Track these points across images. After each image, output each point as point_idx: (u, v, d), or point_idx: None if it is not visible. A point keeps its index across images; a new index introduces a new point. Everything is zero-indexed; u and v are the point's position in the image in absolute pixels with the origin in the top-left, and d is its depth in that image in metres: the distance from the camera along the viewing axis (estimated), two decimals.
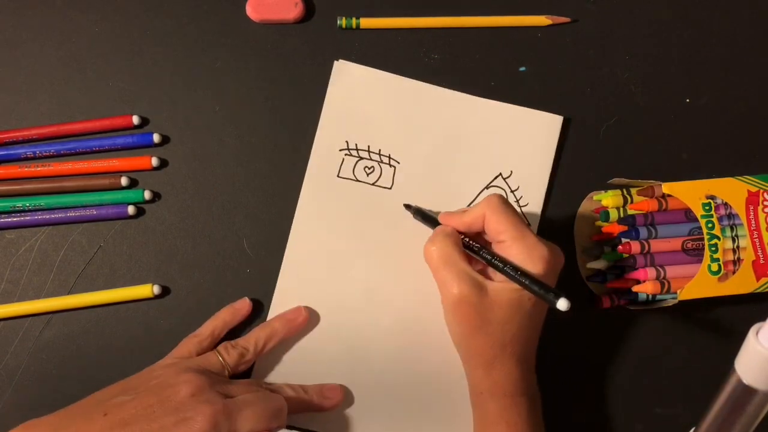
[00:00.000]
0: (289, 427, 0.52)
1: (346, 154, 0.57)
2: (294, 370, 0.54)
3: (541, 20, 0.59)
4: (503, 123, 0.57)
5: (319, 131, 0.57)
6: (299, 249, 0.55)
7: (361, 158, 0.56)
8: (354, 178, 0.56)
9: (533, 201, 0.57)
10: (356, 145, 0.57)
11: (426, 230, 0.53)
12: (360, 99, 0.57)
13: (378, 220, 0.56)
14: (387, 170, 0.57)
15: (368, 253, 0.56)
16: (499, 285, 0.48)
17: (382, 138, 0.57)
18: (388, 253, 0.56)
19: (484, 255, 0.49)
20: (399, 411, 0.54)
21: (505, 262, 0.48)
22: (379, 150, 0.57)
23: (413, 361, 0.55)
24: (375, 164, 0.57)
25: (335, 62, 0.57)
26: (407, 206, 0.55)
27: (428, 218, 0.53)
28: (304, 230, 0.56)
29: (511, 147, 0.57)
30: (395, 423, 0.54)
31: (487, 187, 0.57)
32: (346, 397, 0.54)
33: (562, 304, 0.45)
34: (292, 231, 0.56)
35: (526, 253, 0.48)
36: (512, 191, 0.57)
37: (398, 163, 0.57)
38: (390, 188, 0.56)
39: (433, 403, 0.54)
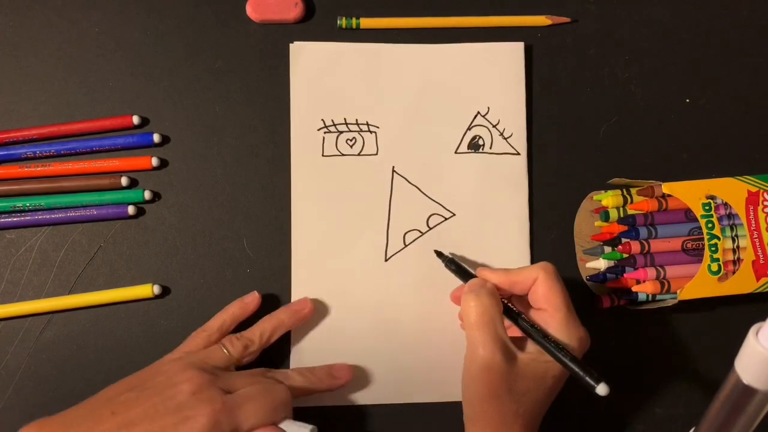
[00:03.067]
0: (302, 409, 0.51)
1: (325, 132, 0.57)
2: (326, 340, 0.55)
3: (541, 20, 0.59)
4: (468, 63, 0.58)
5: (293, 116, 0.57)
6: (304, 237, 0.56)
7: (341, 132, 0.57)
8: (339, 153, 0.57)
9: (517, 131, 0.57)
10: (332, 120, 0.57)
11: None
12: (325, 75, 0.57)
13: (372, 187, 0.56)
14: (369, 137, 0.57)
15: (372, 220, 0.56)
16: (528, 357, 0.47)
17: (356, 107, 0.57)
18: (391, 217, 0.56)
19: (523, 323, 0.48)
20: (417, 371, 0.55)
21: (546, 334, 0.47)
22: (356, 120, 0.57)
23: (430, 320, 0.55)
24: (355, 135, 0.57)
25: (291, 45, 0.57)
26: (439, 254, 0.54)
27: (463, 271, 0.52)
28: (304, 217, 0.56)
29: (481, 84, 0.58)
30: (418, 384, 0.55)
31: (469, 128, 0.57)
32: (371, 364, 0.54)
33: (602, 390, 0.44)
34: (293, 223, 0.56)
35: (565, 329, 0.47)
36: (494, 126, 0.57)
37: (377, 127, 0.57)
38: (376, 154, 0.57)
39: (447, 361, 0.54)
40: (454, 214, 0.56)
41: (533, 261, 0.57)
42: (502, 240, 0.56)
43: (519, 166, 0.57)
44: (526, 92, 0.58)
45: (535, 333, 0.47)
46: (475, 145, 0.57)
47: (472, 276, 0.51)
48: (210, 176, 0.56)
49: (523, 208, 0.57)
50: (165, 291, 0.55)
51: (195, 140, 0.57)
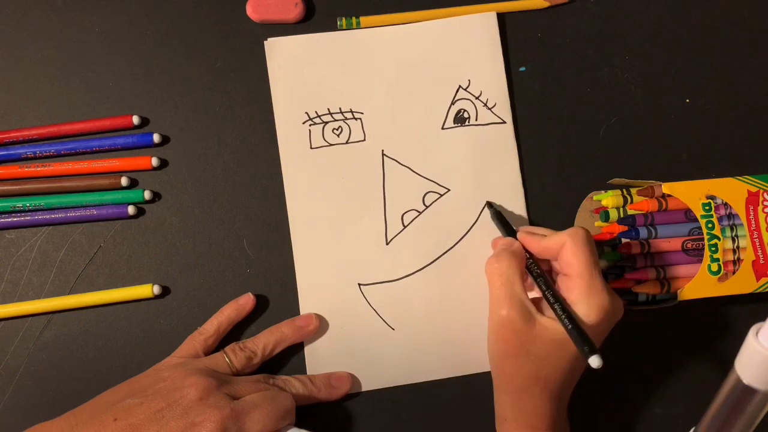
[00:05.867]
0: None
1: (310, 125, 0.57)
2: (337, 329, 0.55)
3: (539, 2, 0.59)
4: (444, 38, 0.58)
5: (276, 112, 0.57)
6: (304, 231, 0.56)
7: (326, 123, 0.57)
8: (327, 143, 0.57)
9: (500, 100, 0.58)
10: (316, 112, 0.57)
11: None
12: (303, 68, 0.57)
13: (365, 173, 0.57)
14: (354, 124, 0.57)
15: (368, 206, 0.56)
16: (548, 321, 0.47)
17: (338, 96, 0.57)
18: (386, 200, 0.56)
19: (540, 284, 0.49)
20: (436, 345, 0.55)
21: (558, 298, 0.47)
22: (340, 108, 0.57)
23: (437, 296, 0.56)
24: (341, 123, 0.57)
25: (265, 42, 0.57)
26: (489, 204, 0.55)
27: (506, 226, 0.53)
28: (301, 211, 0.56)
29: (459, 58, 0.58)
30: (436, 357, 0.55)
31: (453, 103, 0.57)
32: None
33: (594, 362, 0.43)
34: (290, 218, 0.56)
35: (585, 296, 0.47)
36: (477, 98, 0.58)
37: (362, 113, 0.57)
38: (364, 140, 0.57)
39: (458, 335, 0.55)
40: (449, 189, 0.57)
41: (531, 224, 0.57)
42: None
43: (506, 133, 0.57)
44: (525, 89, 0.58)
45: (547, 294, 0.48)
46: (460, 119, 0.57)
47: (512, 233, 0.52)
48: (210, 176, 0.56)
49: (515, 175, 0.57)
50: (165, 291, 0.55)
51: (195, 140, 0.57)
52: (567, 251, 0.48)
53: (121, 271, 0.55)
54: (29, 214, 0.55)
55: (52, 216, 0.55)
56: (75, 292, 0.55)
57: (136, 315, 0.55)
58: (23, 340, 0.54)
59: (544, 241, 0.50)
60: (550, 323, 0.47)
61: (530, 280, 0.50)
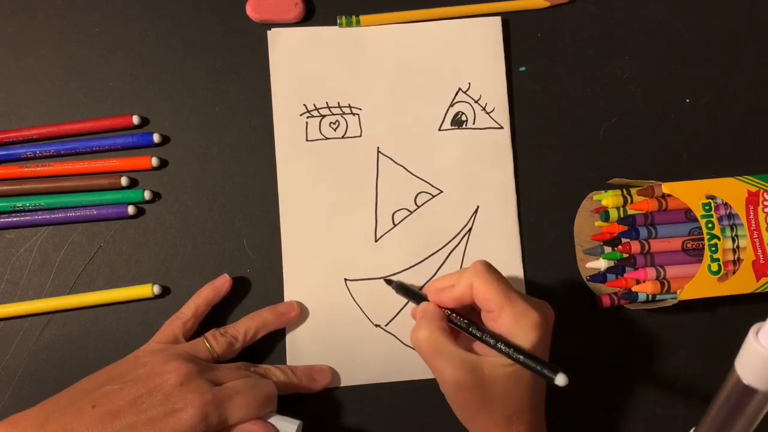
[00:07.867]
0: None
1: (308, 117, 0.57)
2: (321, 323, 0.55)
3: (539, 3, 0.59)
4: (446, 40, 0.58)
5: (275, 103, 0.57)
6: (293, 222, 0.56)
7: (323, 116, 0.57)
8: (323, 137, 0.57)
9: (498, 105, 0.58)
10: (314, 105, 0.57)
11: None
12: (304, 60, 0.57)
13: (359, 169, 0.57)
14: (351, 120, 0.57)
15: (360, 202, 0.56)
16: (494, 359, 0.45)
17: (338, 90, 0.57)
18: (378, 197, 0.56)
19: (474, 332, 0.47)
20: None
21: (497, 338, 0.45)
22: (338, 102, 0.57)
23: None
24: (338, 117, 0.57)
25: (268, 32, 0.57)
26: (388, 282, 0.54)
27: (412, 294, 0.52)
28: (292, 202, 0.56)
29: (461, 60, 0.58)
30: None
31: (451, 105, 0.57)
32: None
33: (561, 380, 0.42)
34: (281, 209, 0.56)
35: (516, 323, 0.45)
36: (476, 101, 0.58)
37: (360, 109, 0.57)
38: (360, 136, 0.57)
39: None
40: (442, 191, 0.57)
41: (523, 238, 0.57)
42: (490, 213, 0.57)
43: (503, 139, 0.57)
44: (525, 89, 0.58)
45: (486, 339, 0.46)
46: (458, 122, 0.57)
47: (422, 297, 0.50)
48: (210, 176, 0.56)
49: (509, 181, 0.57)
50: (165, 291, 0.55)
51: (195, 140, 0.57)
52: (478, 289, 0.46)
53: (121, 271, 0.55)
54: (29, 214, 0.55)
55: (52, 216, 0.55)
56: (75, 292, 0.55)
57: (136, 315, 0.55)
58: (23, 340, 0.54)
59: (455, 291, 0.47)
60: (497, 362, 0.45)
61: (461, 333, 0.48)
